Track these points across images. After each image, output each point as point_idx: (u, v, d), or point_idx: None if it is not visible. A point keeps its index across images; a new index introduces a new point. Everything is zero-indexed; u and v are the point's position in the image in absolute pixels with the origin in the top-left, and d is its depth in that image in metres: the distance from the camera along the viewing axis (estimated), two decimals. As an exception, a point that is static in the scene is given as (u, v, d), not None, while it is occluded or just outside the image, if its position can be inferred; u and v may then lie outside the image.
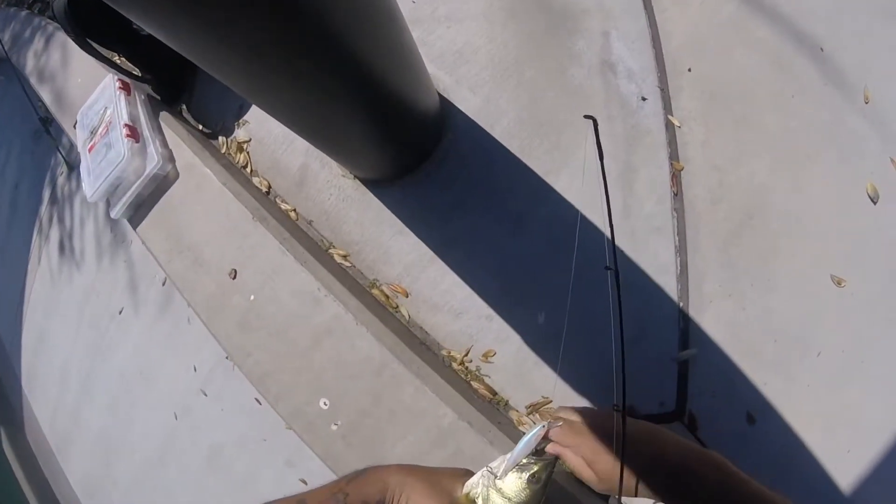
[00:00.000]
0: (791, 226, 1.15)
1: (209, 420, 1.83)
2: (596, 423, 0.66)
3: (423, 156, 1.15)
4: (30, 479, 2.52)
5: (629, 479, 0.57)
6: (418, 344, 1.09)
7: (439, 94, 1.18)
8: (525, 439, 0.62)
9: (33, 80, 2.34)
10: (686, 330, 1.14)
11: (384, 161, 1.09)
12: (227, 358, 1.67)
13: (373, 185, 1.20)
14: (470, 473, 0.64)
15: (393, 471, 0.61)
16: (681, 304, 1.14)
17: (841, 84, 1.21)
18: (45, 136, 2.71)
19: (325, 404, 1.05)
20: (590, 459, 0.63)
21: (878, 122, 1.17)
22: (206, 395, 1.83)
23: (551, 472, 0.61)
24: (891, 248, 1.11)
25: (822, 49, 1.23)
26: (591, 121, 0.63)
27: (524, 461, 0.61)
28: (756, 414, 1.11)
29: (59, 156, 2.58)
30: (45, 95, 2.14)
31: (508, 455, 0.62)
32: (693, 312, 1.14)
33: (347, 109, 0.82)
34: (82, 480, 2.28)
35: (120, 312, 2.11)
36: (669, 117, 1.20)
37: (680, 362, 1.13)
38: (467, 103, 1.19)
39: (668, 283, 1.13)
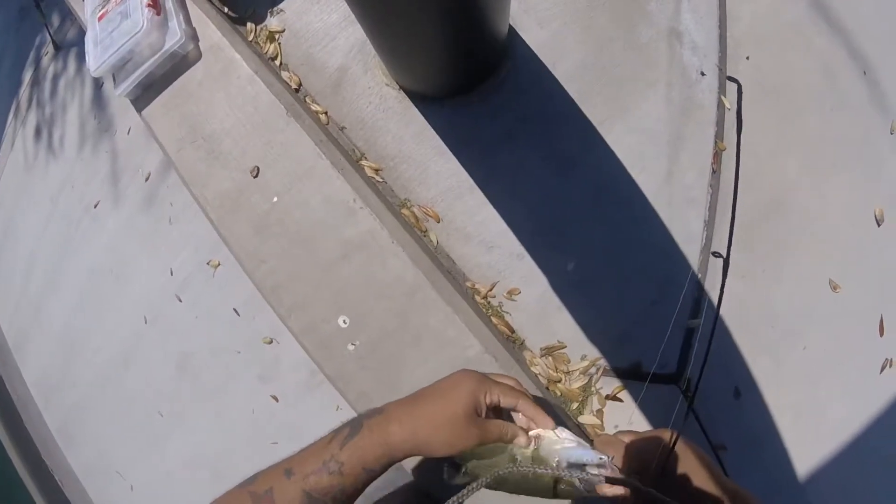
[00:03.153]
0: (806, 225, 1.16)
1: (181, 327, 1.67)
2: (643, 440, 0.56)
3: (480, 78, 1.03)
4: (-18, 375, 2.22)
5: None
6: (446, 272, 0.98)
7: (507, 20, 1.04)
8: (585, 452, 0.53)
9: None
10: (699, 300, 1.11)
11: (442, 71, 0.95)
12: (209, 263, 1.51)
13: (419, 99, 1.06)
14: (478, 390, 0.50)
15: (393, 427, 0.47)
16: (699, 276, 1.10)
17: (876, 109, 1.20)
18: (32, 12, 2.31)
19: (344, 322, 0.93)
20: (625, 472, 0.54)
21: (899, 155, 1.17)
22: (180, 300, 1.65)
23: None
24: (883, 269, 1.15)
25: (864, 72, 1.21)
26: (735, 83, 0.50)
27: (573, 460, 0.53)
28: (743, 390, 1.11)
29: (47, 34, 2.21)
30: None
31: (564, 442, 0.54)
32: (709, 285, 1.12)
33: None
34: (39, 380, 2.05)
35: (96, 206, 1.86)
36: (722, 97, 1.15)
37: (687, 329, 1.10)
38: (533, 35, 1.07)
39: (692, 253, 1.10)
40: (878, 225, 1.16)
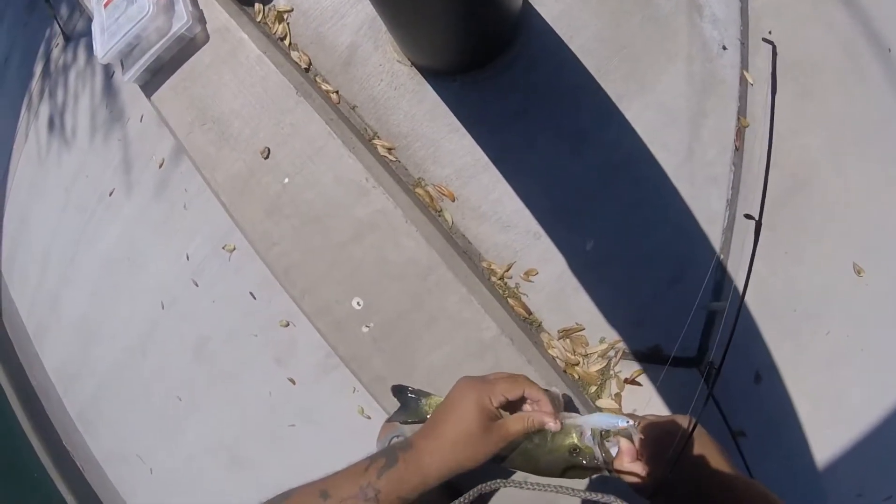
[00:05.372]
0: (829, 206, 1.09)
1: (198, 311, 1.64)
2: (660, 424, 0.55)
3: (493, 52, 0.98)
4: (4, 365, 2.23)
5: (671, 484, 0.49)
6: (461, 252, 0.94)
7: (521, -9, 0.99)
8: (609, 417, 0.53)
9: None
10: (721, 282, 1.06)
11: (455, 46, 0.90)
12: (224, 247, 1.48)
13: (431, 75, 1.01)
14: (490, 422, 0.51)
15: (425, 459, 0.48)
16: (721, 256, 1.05)
17: None
18: (41, 4, 2.28)
19: (358, 304, 0.90)
20: (644, 453, 0.53)
21: (926, 133, 1.11)
22: (197, 285, 1.62)
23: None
24: None
25: (889, 50, 1.13)
26: (770, 45, 0.46)
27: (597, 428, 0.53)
28: (763, 374, 1.07)
29: (56, 26, 2.17)
30: (52, -47, 1.74)
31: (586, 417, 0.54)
32: (730, 267, 1.07)
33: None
34: (59, 368, 2.04)
35: (110, 194, 1.83)
36: (744, 72, 1.08)
37: (709, 312, 1.05)
38: (548, 8, 1.01)
39: (714, 234, 1.04)
40: (904, 206, 1.10)
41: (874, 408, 1.04)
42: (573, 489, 0.45)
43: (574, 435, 0.52)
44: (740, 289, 1.06)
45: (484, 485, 0.45)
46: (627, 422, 0.51)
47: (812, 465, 1.03)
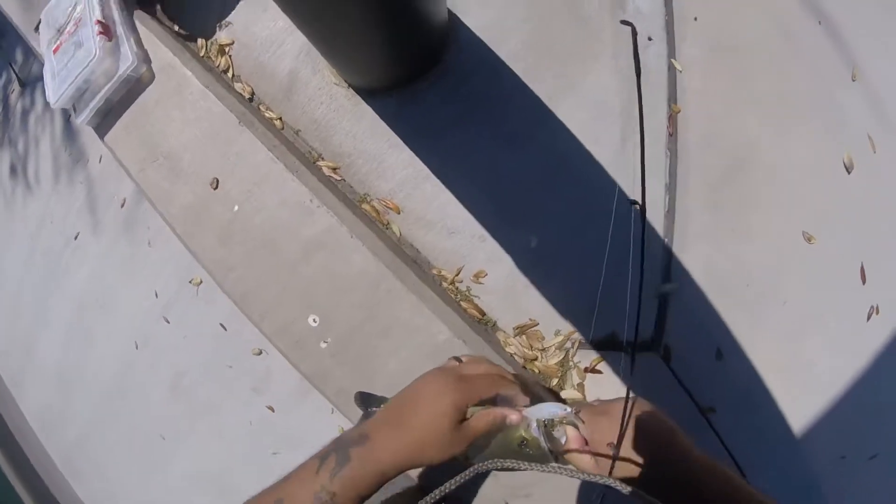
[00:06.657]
0: (772, 180, 1.14)
1: (171, 347, 1.68)
2: (605, 407, 0.55)
3: (424, 66, 1.04)
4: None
5: (626, 469, 0.48)
6: (411, 262, 0.99)
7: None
8: (550, 406, 0.54)
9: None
10: (669, 265, 1.11)
11: (385, 63, 0.96)
12: (191, 281, 1.52)
13: (368, 94, 1.07)
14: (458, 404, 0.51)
15: (383, 455, 0.47)
16: (665, 241, 1.11)
17: (833, 59, 1.19)
18: (-7, 52, 2.33)
19: (314, 321, 0.94)
20: (591, 439, 0.53)
21: (862, 101, 1.17)
22: (168, 321, 1.66)
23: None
24: (857, 215, 1.14)
25: (819, 22, 1.19)
26: (629, 27, 0.50)
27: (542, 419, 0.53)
28: (725, 351, 1.11)
29: (11, 72, 2.22)
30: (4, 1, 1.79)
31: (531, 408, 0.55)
32: (676, 250, 1.12)
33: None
34: (38, 414, 2.06)
35: (76, 238, 1.87)
36: (672, 60, 1.14)
37: (660, 296, 1.10)
38: (475, 19, 1.08)
39: (656, 220, 1.10)
40: (848, 172, 1.14)
41: (842, 370, 1.08)
42: (569, 470, 0.46)
43: (521, 427, 0.52)
44: (690, 270, 1.12)
45: (480, 465, 0.45)
46: (565, 409, 0.52)
47: (789, 433, 1.06)
